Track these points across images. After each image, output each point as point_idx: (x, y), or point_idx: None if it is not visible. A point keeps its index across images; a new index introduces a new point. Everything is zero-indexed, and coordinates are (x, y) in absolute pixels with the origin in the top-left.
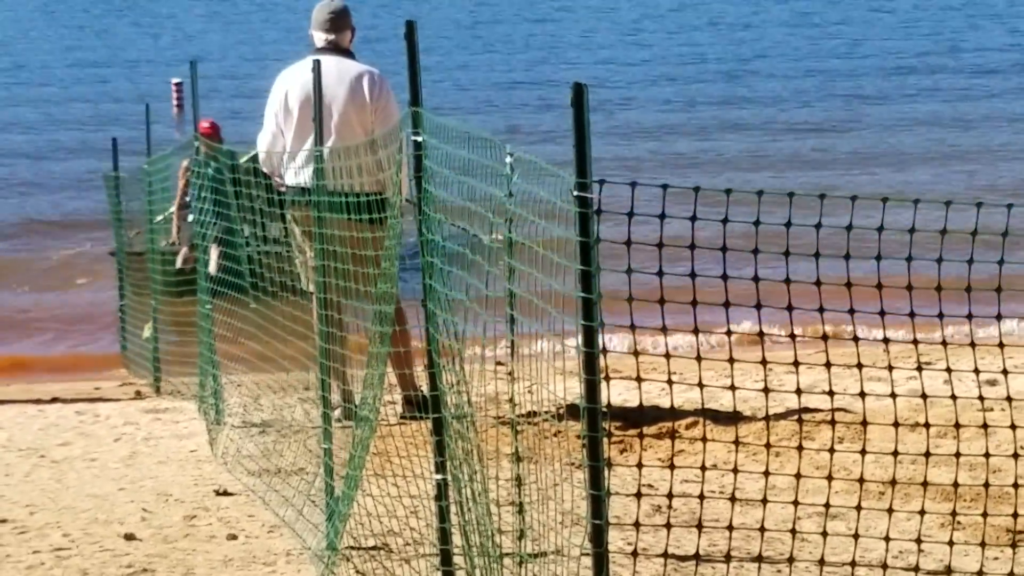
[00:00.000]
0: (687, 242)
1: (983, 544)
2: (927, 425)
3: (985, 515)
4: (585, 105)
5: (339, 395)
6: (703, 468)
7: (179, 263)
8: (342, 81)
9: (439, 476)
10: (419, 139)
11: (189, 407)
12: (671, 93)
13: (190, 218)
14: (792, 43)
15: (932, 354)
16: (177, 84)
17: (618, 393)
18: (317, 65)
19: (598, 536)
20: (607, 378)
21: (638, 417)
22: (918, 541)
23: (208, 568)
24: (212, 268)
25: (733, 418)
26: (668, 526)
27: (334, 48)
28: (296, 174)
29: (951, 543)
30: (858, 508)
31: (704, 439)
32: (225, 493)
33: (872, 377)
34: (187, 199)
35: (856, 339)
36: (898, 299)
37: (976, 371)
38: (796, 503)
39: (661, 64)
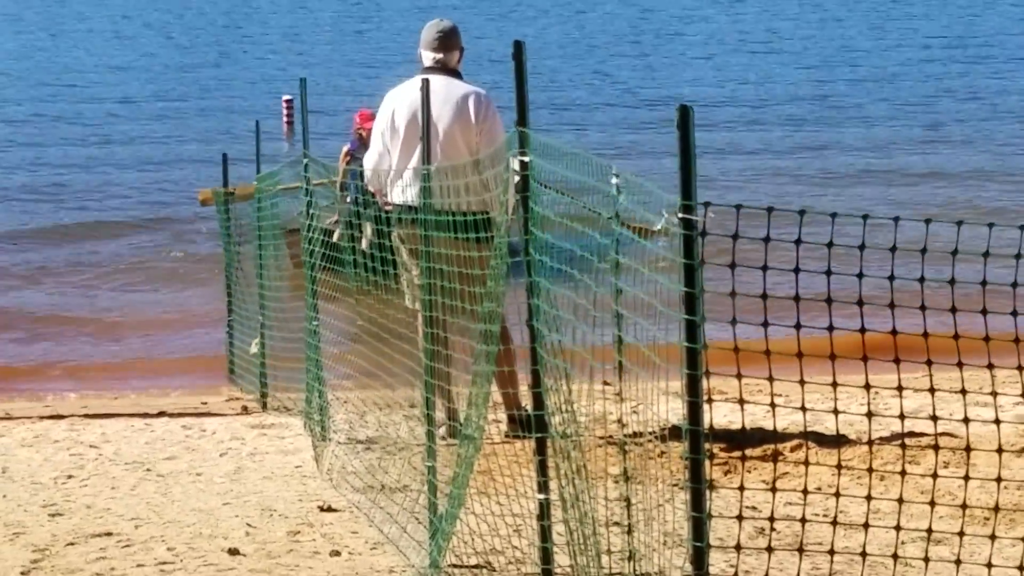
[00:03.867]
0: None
1: None
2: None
3: None
4: (691, 126)
5: (444, 413)
6: (805, 491)
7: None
8: (448, 101)
9: (542, 496)
10: (525, 159)
11: (295, 423)
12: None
13: (348, 199)
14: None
15: None
16: (288, 101)
17: (723, 415)
18: (426, 84)
19: (699, 558)
20: (710, 400)
21: (742, 439)
22: (1021, 568)
23: None
24: (365, 244)
25: (837, 441)
26: (770, 549)
27: (442, 68)
28: (403, 192)
29: None
30: (961, 534)
31: (807, 462)
32: (329, 509)
33: (976, 403)
34: (345, 181)
35: (960, 364)
36: (1003, 321)
37: None
38: (899, 528)
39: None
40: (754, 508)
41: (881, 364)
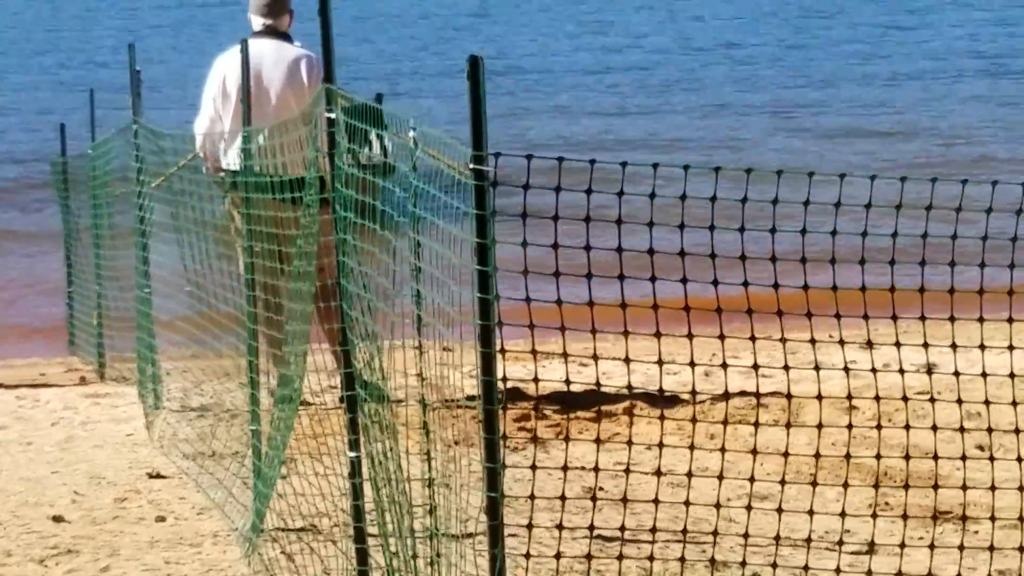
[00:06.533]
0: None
1: (905, 517)
2: (850, 397)
3: (907, 487)
4: (481, 78)
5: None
6: (630, 443)
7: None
8: (279, 65)
9: (353, 453)
10: (331, 116)
11: (131, 392)
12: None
13: None
14: None
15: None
16: (137, 72)
17: (560, 377)
18: (244, 45)
19: (493, 508)
20: (503, 351)
21: (573, 401)
22: (842, 515)
23: (134, 549)
24: None
25: (667, 399)
26: (594, 499)
27: (272, 32)
28: (236, 158)
29: (875, 516)
30: (783, 482)
31: (631, 414)
32: (158, 476)
33: (803, 356)
34: None
35: (780, 313)
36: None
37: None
38: (721, 477)
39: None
40: (582, 468)
41: (731, 317)
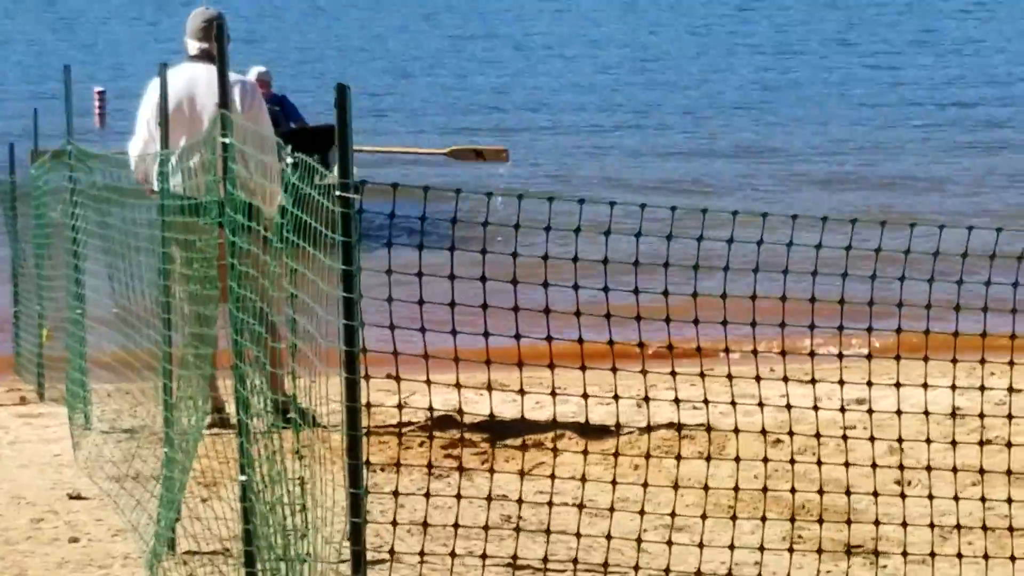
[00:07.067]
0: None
1: (819, 551)
2: (763, 432)
3: (821, 522)
4: (348, 105)
5: (209, 403)
6: (552, 477)
7: None
8: (213, 90)
9: (243, 477)
10: (226, 141)
11: (65, 412)
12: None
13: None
14: None
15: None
16: (100, 92)
17: (498, 404)
18: (162, 70)
19: (356, 534)
20: (367, 377)
21: (502, 429)
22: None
23: (42, 570)
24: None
25: (596, 430)
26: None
27: (207, 56)
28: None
29: (791, 550)
30: (703, 517)
31: (555, 450)
32: (79, 497)
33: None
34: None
35: (699, 349)
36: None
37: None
38: (643, 512)
39: None
40: (504, 497)
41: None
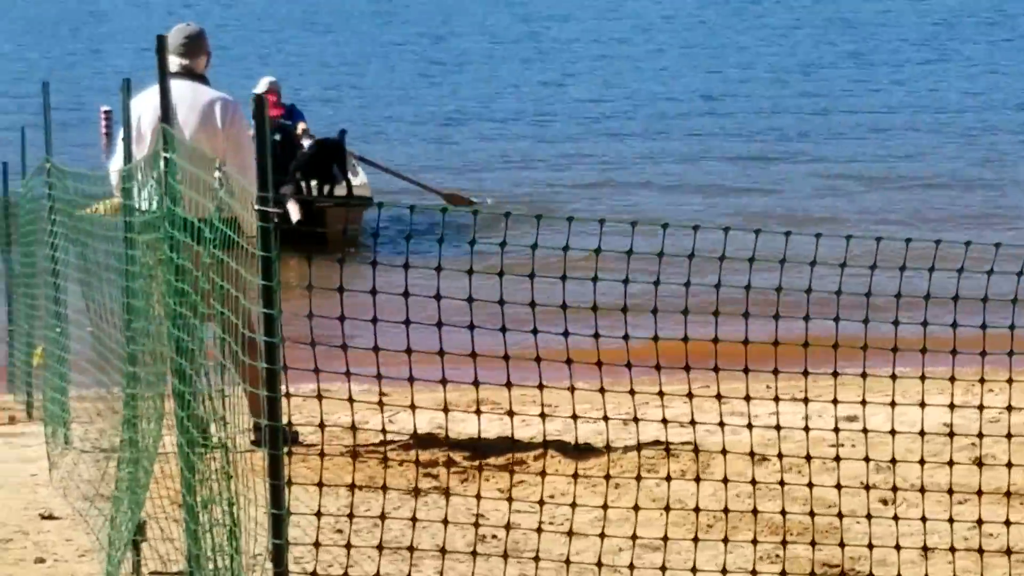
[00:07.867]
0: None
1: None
2: (752, 454)
3: (813, 544)
4: (265, 118)
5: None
6: (541, 502)
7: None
8: (195, 107)
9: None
10: (168, 156)
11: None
12: None
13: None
14: None
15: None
16: (106, 112)
17: (486, 423)
18: (126, 84)
19: (278, 555)
20: (287, 396)
21: (486, 448)
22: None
23: None
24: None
25: (579, 449)
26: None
27: (188, 73)
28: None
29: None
30: (665, 539)
31: (544, 473)
32: (51, 517)
33: (733, 411)
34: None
35: (687, 368)
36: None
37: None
38: (603, 535)
39: None
40: (483, 515)
41: (641, 371)
